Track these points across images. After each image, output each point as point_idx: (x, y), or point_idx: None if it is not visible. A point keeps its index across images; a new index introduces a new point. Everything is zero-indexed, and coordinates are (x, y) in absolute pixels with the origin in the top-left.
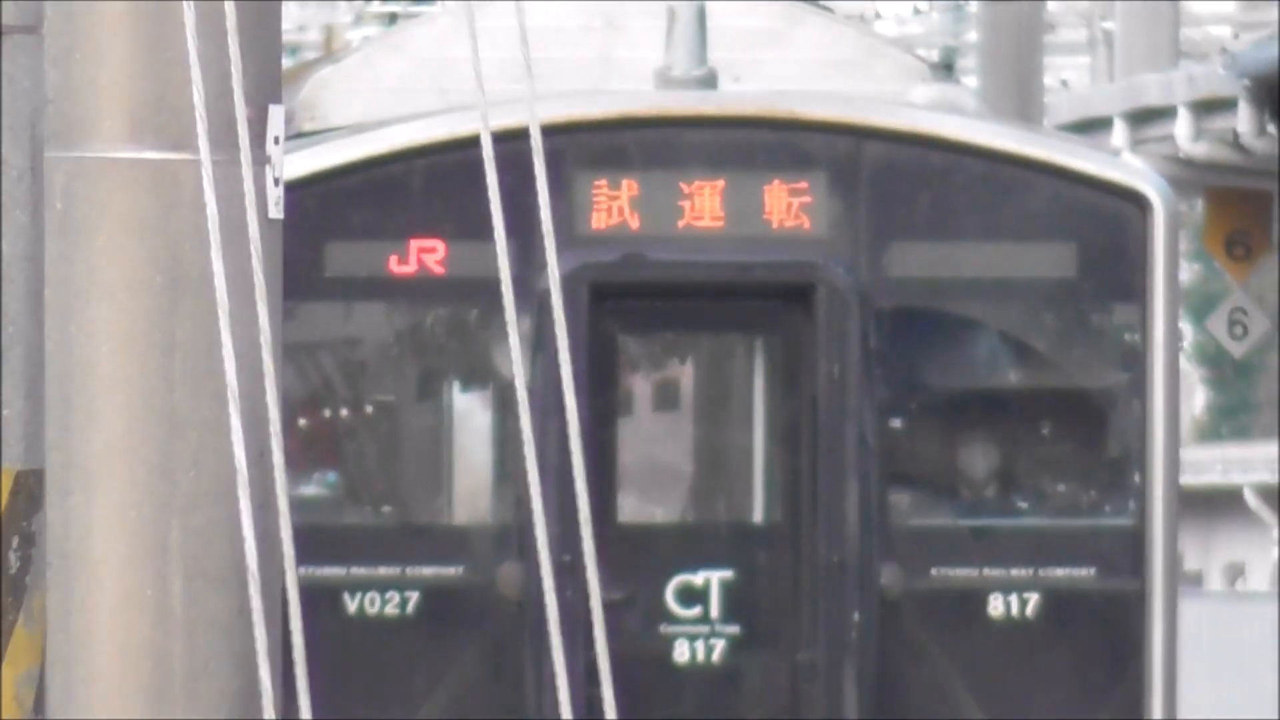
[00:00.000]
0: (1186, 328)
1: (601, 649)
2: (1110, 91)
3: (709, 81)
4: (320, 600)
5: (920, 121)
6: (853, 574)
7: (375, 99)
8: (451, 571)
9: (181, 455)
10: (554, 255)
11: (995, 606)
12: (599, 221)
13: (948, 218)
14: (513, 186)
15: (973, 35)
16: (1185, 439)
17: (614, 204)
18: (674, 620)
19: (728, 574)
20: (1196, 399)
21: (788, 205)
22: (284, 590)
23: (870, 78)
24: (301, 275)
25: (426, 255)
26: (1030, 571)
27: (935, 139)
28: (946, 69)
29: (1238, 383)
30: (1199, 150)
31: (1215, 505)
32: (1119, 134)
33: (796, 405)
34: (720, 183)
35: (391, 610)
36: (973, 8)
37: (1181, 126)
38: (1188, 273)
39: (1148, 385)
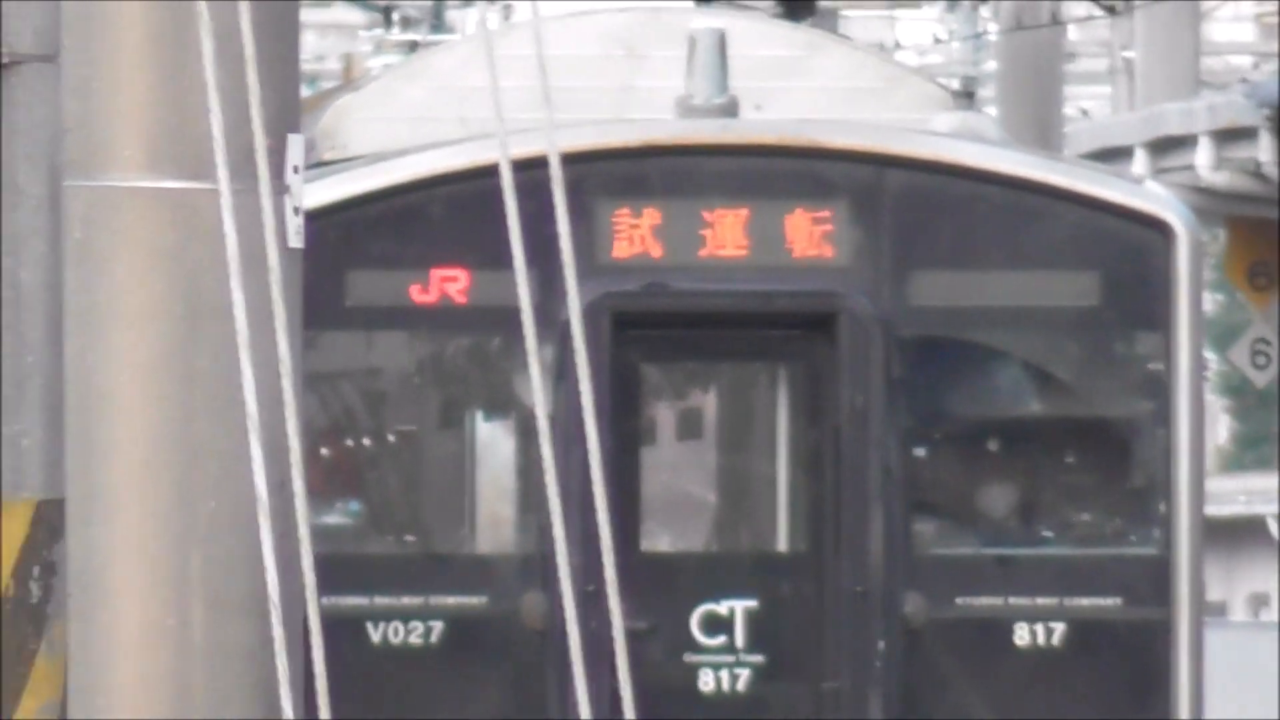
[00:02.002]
0: (1210, 357)
1: (625, 679)
2: (1131, 121)
3: (730, 110)
4: (343, 630)
5: (942, 149)
6: (877, 603)
7: (395, 127)
8: (475, 601)
9: (202, 484)
10: (575, 284)
11: (1020, 636)
12: (621, 250)
13: (970, 246)
14: (534, 215)
15: (993, 65)
16: (1209, 469)
17: (635, 233)
18: (698, 649)
19: (752, 603)
20: (1220, 429)
21: (810, 234)
22: (306, 619)
23: (892, 106)
24: (322, 304)
25: (448, 284)
26: (1055, 601)
27: (957, 167)
28: (968, 97)
29: (1261, 413)
30: (1220, 179)
31: (1239, 535)
32: (1140, 163)
33: (819, 434)
34: (742, 211)
35: (415, 640)
36: (993, 37)
37: (1202, 156)
38: (1209, 303)
39: (1172, 414)
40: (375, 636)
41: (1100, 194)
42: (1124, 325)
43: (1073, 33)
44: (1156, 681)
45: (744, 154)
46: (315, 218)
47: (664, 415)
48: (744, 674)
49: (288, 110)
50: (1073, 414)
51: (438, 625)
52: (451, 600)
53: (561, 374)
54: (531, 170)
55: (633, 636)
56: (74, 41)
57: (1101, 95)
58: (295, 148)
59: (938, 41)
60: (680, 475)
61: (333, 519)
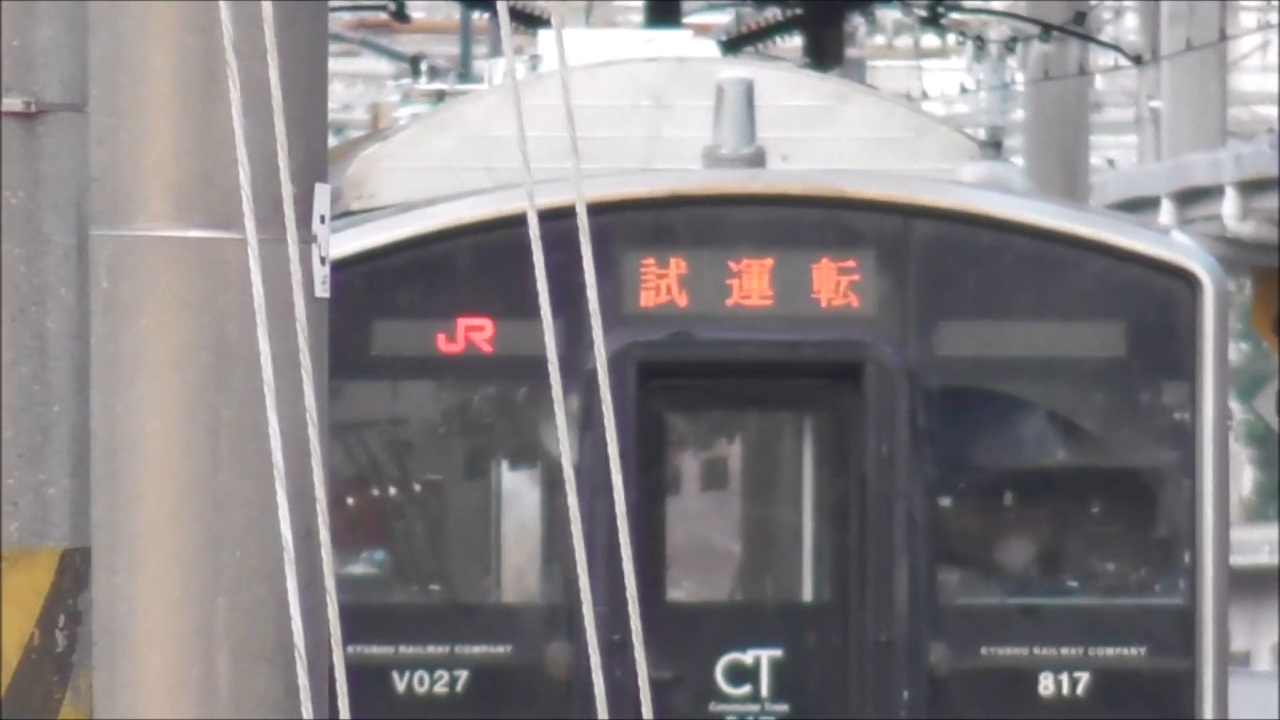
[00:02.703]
0: (1234, 407)
1: None
2: (1157, 171)
3: (757, 160)
4: (368, 679)
5: (969, 200)
6: (902, 653)
7: (422, 177)
8: (500, 650)
9: (227, 534)
10: (601, 334)
11: (1045, 685)
12: (647, 300)
13: (996, 296)
14: (560, 264)
15: (1020, 114)
16: (1233, 519)
17: (662, 282)
18: (724, 699)
19: (777, 652)
20: (1244, 479)
21: (836, 283)
22: (331, 669)
23: (918, 156)
24: (348, 353)
25: (474, 333)
26: (1080, 650)
27: (984, 217)
28: (995, 147)
29: None
30: (1246, 229)
31: (1263, 585)
32: (1166, 213)
33: (845, 484)
34: (769, 261)
35: (440, 689)
36: (1020, 87)
37: (1229, 206)
38: (1235, 352)
39: (1197, 464)
40: (400, 686)
41: (1126, 244)
42: (1149, 375)
43: (1099, 83)
44: None
45: (771, 204)
46: (342, 267)
47: (689, 465)
48: None
49: (315, 160)
50: (1098, 464)
51: (463, 674)
52: (477, 650)
53: (587, 424)
54: (558, 220)
55: (658, 686)
56: (101, 91)
57: (1128, 145)
58: (322, 197)
59: (965, 91)
60: (705, 525)
61: (358, 568)
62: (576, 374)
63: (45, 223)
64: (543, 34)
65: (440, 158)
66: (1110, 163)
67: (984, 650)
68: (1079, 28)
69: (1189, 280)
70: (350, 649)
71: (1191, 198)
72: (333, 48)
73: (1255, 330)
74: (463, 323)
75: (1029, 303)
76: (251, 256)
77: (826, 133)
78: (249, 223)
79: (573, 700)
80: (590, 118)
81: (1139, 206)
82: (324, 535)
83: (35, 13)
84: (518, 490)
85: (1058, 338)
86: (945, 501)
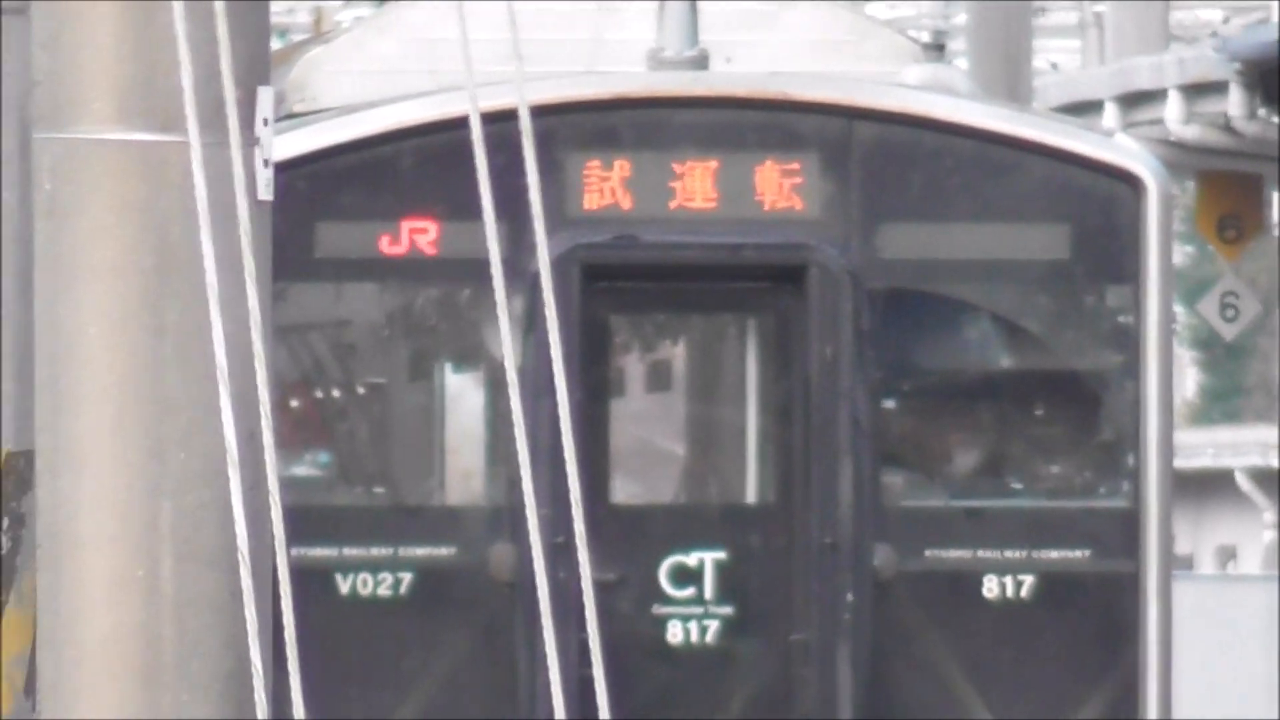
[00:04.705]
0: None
1: (593, 631)
2: (1101, 74)
3: (701, 63)
4: (312, 581)
5: (912, 102)
6: (846, 555)
7: (365, 80)
8: (443, 553)
9: (171, 437)
10: (544, 237)
11: (989, 588)
12: (591, 202)
13: (940, 199)
14: (504, 167)
15: (963, 18)
16: (1177, 422)
17: (605, 185)
18: (668, 601)
19: (721, 555)
20: (1188, 382)
21: (779, 186)
22: (275, 571)
23: (862, 58)
24: (292, 256)
25: (418, 236)
26: (1024, 553)
27: (927, 119)
28: (938, 50)
29: (1229, 366)
30: (1190, 133)
31: (1207, 488)
32: (1110, 117)
33: (789, 386)
34: (712, 163)
35: (384, 591)
36: None
37: (1172, 110)
38: (1179, 255)
39: (1141, 367)
40: (344, 587)
41: (1070, 147)
42: (1094, 278)
43: None
44: (1125, 634)
45: (714, 106)
46: (285, 170)
47: (633, 367)
48: (713, 625)
49: (258, 63)
50: (1042, 367)
51: (406, 576)
52: (420, 552)
53: (531, 326)
54: (501, 122)
55: (601, 589)
56: None
57: (1072, 49)
58: (265, 100)
59: None
60: (649, 427)
61: (302, 470)
62: (520, 276)
63: None
64: None
65: (383, 61)
66: (1054, 66)
67: (928, 553)
68: None
69: (1133, 183)
70: (294, 551)
71: (1135, 101)
72: None
73: (1199, 233)
74: (406, 225)
75: (972, 205)
76: (194, 159)
77: (770, 36)
78: (192, 126)
79: (516, 602)
80: (533, 20)
81: (1082, 110)
82: (267, 438)
83: None
84: (461, 392)
85: (1001, 240)
86: (889, 404)
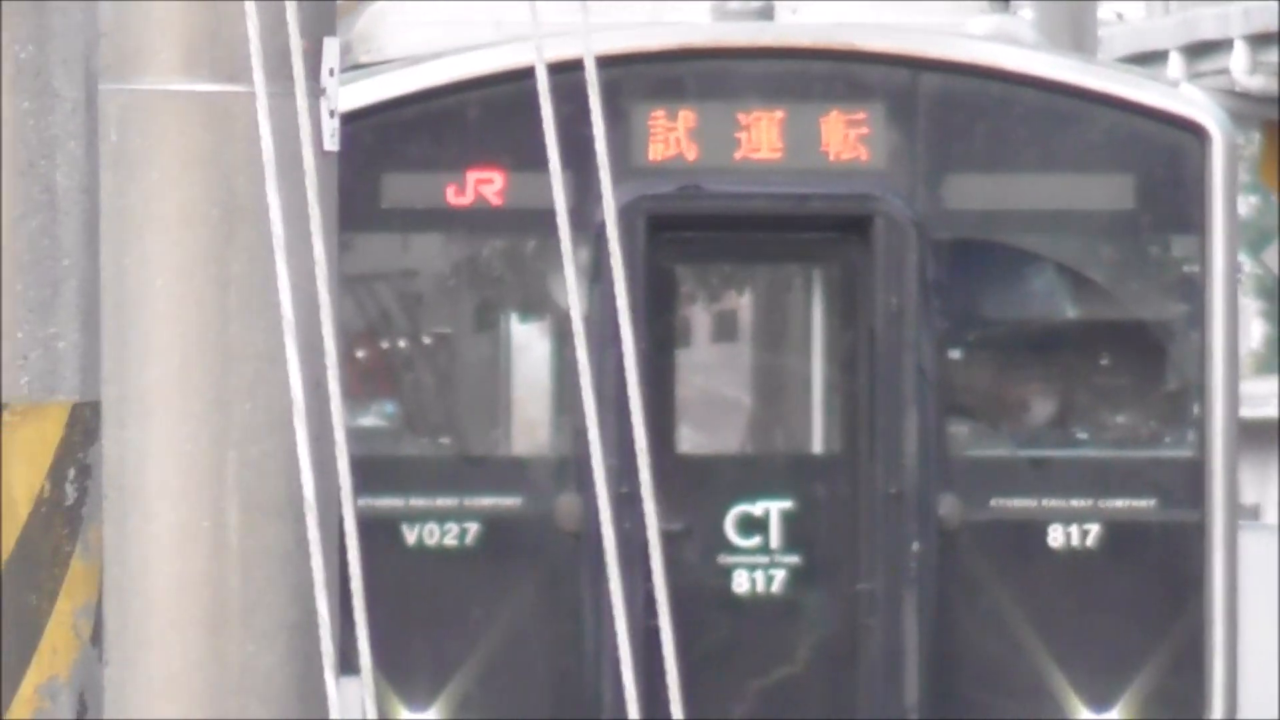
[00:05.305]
0: (1243, 260)
1: (659, 580)
2: (1166, 24)
3: (766, 13)
4: (378, 531)
5: (977, 53)
6: (911, 505)
7: (431, 31)
8: (510, 503)
9: (237, 387)
10: (610, 187)
11: (1055, 537)
12: (656, 153)
13: (1005, 149)
14: (569, 118)
15: None
16: (1242, 372)
17: (671, 135)
18: (733, 551)
19: (787, 504)
20: (1253, 332)
21: (845, 136)
22: (341, 521)
23: (927, 10)
24: (358, 207)
25: (483, 186)
26: (1089, 502)
27: (992, 70)
28: (1003, 0)
29: None
30: (1255, 83)
31: (1271, 438)
32: (1175, 67)
33: (854, 336)
34: (778, 114)
35: (450, 541)
36: None
37: (1237, 60)
38: (1244, 206)
39: (1206, 317)
40: (410, 538)
41: (1136, 97)
42: (1159, 228)
43: None
44: (1190, 583)
45: (780, 57)
46: (351, 120)
47: (699, 317)
48: (779, 575)
49: (324, 13)
50: (1107, 317)
51: (473, 527)
52: (486, 502)
53: (596, 276)
54: (567, 73)
55: (667, 538)
56: None
57: None
58: (331, 51)
59: None
60: (715, 377)
61: (368, 421)
62: (585, 226)
63: (54, 77)
64: None
65: (448, 12)
66: (1119, 16)
67: (993, 502)
68: None
69: (1198, 133)
70: (360, 501)
71: (1199, 51)
72: None
73: (1264, 183)
74: (472, 175)
75: (1038, 156)
76: (260, 110)
77: None
78: (258, 76)
79: (582, 552)
80: None
81: (1147, 60)
82: (333, 388)
83: None
84: (527, 343)
85: (1066, 191)
86: (954, 354)
